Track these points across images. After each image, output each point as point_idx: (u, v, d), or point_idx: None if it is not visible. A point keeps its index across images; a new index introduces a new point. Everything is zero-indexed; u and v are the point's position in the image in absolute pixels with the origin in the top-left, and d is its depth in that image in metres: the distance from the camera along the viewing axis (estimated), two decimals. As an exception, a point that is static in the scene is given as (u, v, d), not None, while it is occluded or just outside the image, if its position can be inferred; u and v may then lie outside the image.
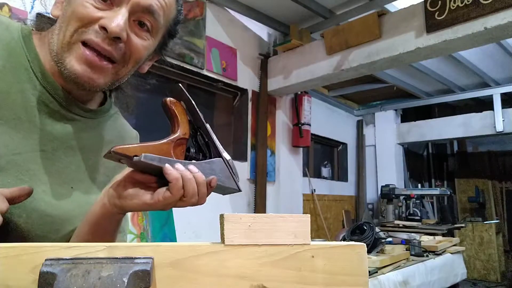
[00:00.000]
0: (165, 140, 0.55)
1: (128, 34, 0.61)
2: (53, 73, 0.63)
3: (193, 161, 0.57)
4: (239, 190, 0.59)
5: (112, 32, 0.57)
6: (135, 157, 0.51)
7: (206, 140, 0.60)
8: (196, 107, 0.59)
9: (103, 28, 0.58)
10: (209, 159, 0.58)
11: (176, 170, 0.53)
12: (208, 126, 0.59)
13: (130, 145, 0.52)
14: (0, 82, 0.59)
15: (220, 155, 0.59)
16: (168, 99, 0.58)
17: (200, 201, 0.56)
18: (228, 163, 0.59)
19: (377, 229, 2.59)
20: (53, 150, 0.63)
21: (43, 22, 0.67)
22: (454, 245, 3.25)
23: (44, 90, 0.62)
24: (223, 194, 0.63)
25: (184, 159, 0.57)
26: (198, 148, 0.60)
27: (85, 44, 0.59)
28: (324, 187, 5.07)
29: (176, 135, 0.56)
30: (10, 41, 0.62)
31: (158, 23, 0.64)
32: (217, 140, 0.60)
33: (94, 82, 0.61)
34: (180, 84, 0.60)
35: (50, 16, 0.65)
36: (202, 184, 0.55)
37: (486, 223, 5.58)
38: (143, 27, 0.63)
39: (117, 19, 0.58)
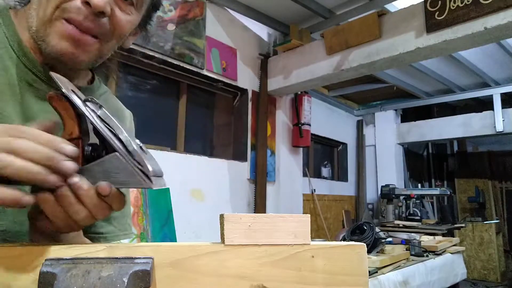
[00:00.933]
0: None
1: (112, 8, 0.58)
2: (33, 51, 0.60)
3: (79, 167, 0.44)
4: (150, 187, 0.44)
5: (96, 6, 0.54)
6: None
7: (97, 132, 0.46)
8: (67, 93, 0.46)
9: (86, 3, 0.55)
10: (101, 159, 0.45)
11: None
12: (88, 110, 0.45)
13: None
14: None
15: (113, 149, 0.44)
16: (48, 93, 0.47)
17: (96, 216, 0.44)
18: (128, 155, 0.44)
19: (377, 229, 2.59)
20: None
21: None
22: (454, 245, 3.25)
23: (26, 69, 0.60)
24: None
25: (86, 162, 0.46)
26: (101, 146, 0.47)
27: (67, 20, 0.56)
28: (324, 187, 5.07)
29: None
30: None
31: None
32: (106, 125, 0.45)
33: (77, 58, 0.58)
34: (51, 72, 0.49)
35: None
36: (85, 195, 0.43)
37: (486, 223, 5.58)
38: (127, 0, 0.60)
39: None
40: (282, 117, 4.03)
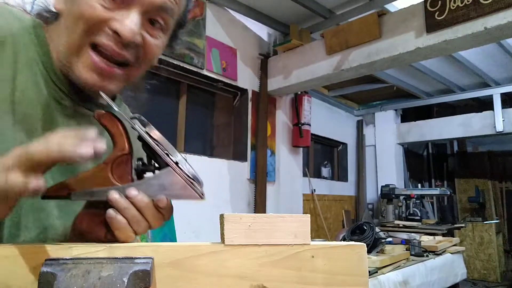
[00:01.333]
0: (100, 164, 0.48)
1: (142, 35, 0.57)
2: (60, 69, 0.60)
3: (136, 181, 0.48)
4: (202, 198, 0.49)
5: (126, 38, 0.54)
6: (71, 195, 0.46)
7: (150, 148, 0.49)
8: (117, 111, 0.49)
9: (115, 32, 0.54)
10: (156, 173, 0.49)
11: (110, 202, 0.46)
12: (139, 127, 0.48)
13: (62, 182, 0.47)
14: (19, 75, 0.56)
15: (166, 164, 0.48)
16: (96, 112, 0.49)
17: (153, 226, 0.48)
18: (180, 170, 0.48)
19: (377, 229, 2.58)
20: None
21: (48, 15, 0.63)
22: (454, 245, 3.25)
23: (56, 87, 0.59)
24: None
25: (137, 176, 0.49)
26: (148, 160, 0.51)
27: (94, 47, 0.55)
28: (324, 187, 5.07)
29: (112, 154, 0.48)
30: (24, 34, 0.58)
31: (171, 19, 0.60)
32: (157, 143, 0.48)
33: (104, 89, 0.56)
34: (101, 92, 0.52)
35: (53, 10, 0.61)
36: (146, 207, 0.46)
37: (486, 223, 5.58)
38: (156, 25, 0.59)
39: (130, 22, 0.54)
40: (282, 117, 4.03)
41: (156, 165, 0.49)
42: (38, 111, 0.57)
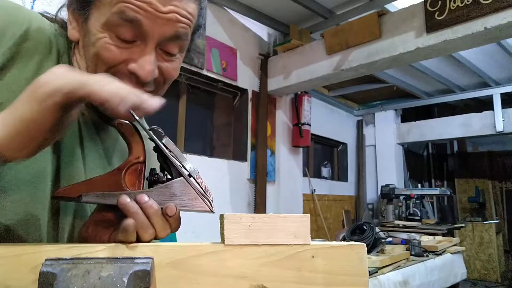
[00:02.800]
0: (113, 170, 0.49)
1: (159, 66, 0.58)
2: None
3: (147, 188, 0.49)
4: (212, 212, 0.50)
5: (144, 80, 0.56)
6: (81, 197, 0.47)
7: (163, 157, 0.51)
8: (137, 122, 0.50)
9: (133, 74, 0.56)
10: (169, 181, 0.49)
11: (120, 205, 0.46)
12: (157, 138, 0.50)
13: (74, 184, 0.49)
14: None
15: (180, 174, 0.49)
16: (116, 120, 0.50)
17: (159, 234, 0.48)
18: (193, 181, 0.49)
19: (377, 229, 2.59)
20: (91, 160, 0.62)
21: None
22: (454, 245, 3.25)
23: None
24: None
25: (149, 185, 0.50)
26: (161, 169, 0.52)
27: None
28: (324, 187, 5.07)
29: (127, 161, 0.50)
30: (57, 46, 0.60)
31: (186, 42, 0.61)
32: (173, 154, 0.50)
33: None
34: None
35: (53, 17, 0.62)
36: (154, 214, 0.46)
37: (486, 223, 5.58)
38: (171, 55, 0.60)
39: (146, 63, 0.55)
40: (282, 117, 4.03)
41: (169, 176, 0.50)
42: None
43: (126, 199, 0.46)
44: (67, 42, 0.61)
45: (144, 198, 0.46)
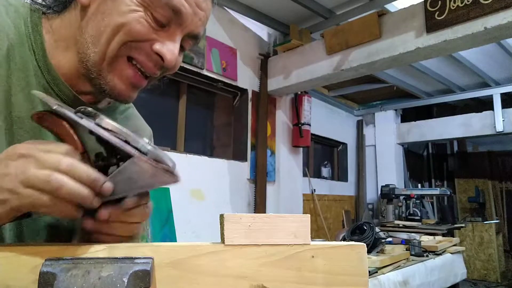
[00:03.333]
0: None
1: None
2: (60, 70, 0.57)
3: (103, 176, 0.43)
4: (177, 181, 0.43)
5: (168, 64, 0.56)
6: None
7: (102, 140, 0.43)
8: (61, 109, 0.43)
9: (158, 55, 0.55)
10: (120, 167, 0.42)
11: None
12: (87, 121, 0.43)
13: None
14: (13, 77, 0.54)
15: (128, 154, 0.42)
16: (33, 113, 0.44)
17: (123, 237, 0.46)
18: (145, 156, 0.42)
19: (377, 229, 2.58)
20: None
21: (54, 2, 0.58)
22: (454, 245, 3.25)
23: (50, 89, 0.57)
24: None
25: (101, 171, 0.44)
26: (108, 154, 0.45)
27: (129, 59, 0.55)
28: (324, 187, 5.07)
29: None
30: (20, 28, 0.55)
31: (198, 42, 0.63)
32: (114, 134, 0.42)
33: (131, 98, 0.59)
34: (34, 91, 0.47)
35: None
36: (113, 226, 0.45)
37: (486, 223, 5.58)
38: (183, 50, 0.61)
39: (174, 49, 0.56)
40: (282, 117, 4.03)
41: (118, 156, 0.44)
42: (26, 113, 0.55)
43: (88, 225, 0.44)
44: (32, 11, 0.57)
45: (104, 214, 0.43)
